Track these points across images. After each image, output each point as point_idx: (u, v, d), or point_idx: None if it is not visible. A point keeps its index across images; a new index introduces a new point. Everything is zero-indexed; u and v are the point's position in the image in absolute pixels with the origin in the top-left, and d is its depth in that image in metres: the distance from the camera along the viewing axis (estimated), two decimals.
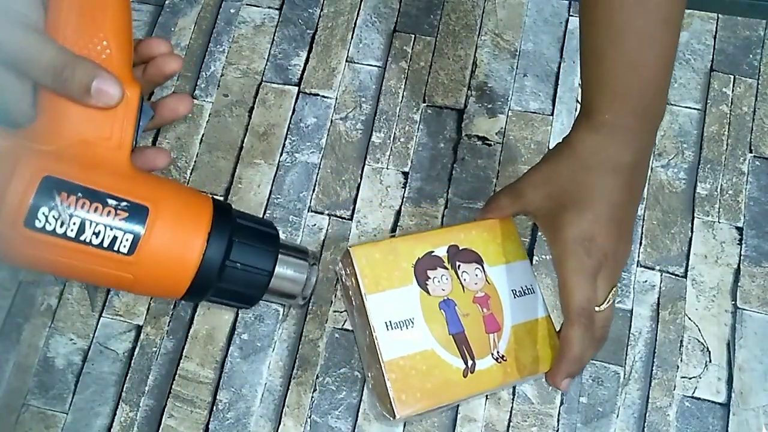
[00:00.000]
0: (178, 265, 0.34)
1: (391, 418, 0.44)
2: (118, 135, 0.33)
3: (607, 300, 0.44)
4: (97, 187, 0.32)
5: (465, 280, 0.48)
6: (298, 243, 0.46)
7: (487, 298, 0.49)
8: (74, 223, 0.31)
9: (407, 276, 0.47)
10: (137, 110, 0.34)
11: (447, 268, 0.48)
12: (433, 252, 0.48)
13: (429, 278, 0.48)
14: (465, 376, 0.46)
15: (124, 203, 0.32)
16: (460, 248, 0.49)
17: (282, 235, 0.59)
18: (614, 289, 0.45)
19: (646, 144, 0.44)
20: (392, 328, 0.45)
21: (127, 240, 0.32)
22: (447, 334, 0.46)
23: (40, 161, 0.31)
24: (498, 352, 0.47)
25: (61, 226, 0.31)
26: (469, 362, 0.46)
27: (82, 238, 0.32)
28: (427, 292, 0.47)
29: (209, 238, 0.35)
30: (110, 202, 0.32)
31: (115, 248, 0.32)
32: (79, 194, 0.31)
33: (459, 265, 0.49)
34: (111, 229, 0.32)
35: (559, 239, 0.43)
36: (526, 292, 0.50)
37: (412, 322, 0.46)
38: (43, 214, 0.31)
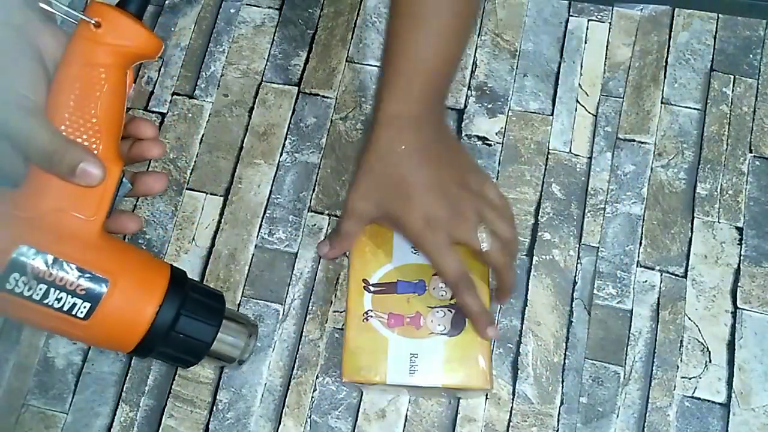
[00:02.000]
0: (128, 330, 0.38)
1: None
2: (94, 208, 0.37)
3: (483, 240, 0.47)
4: (66, 258, 0.35)
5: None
6: (239, 313, 0.50)
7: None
8: (40, 289, 0.35)
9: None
10: (116, 186, 0.37)
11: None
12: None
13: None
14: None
15: (87, 275, 0.36)
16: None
17: (282, 236, 0.59)
18: (482, 226, 0.48)
19: (434, 117, 0.50)
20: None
21: (84, 307, 0.36)
22: None
23: (17, 229, 0.35)
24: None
25: (29, 290, 0.35)
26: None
27: (45, 301, 0.35)
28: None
29: (160, 309, 0.38)
30: (74, 273, 0.35)
31: (73, 313, 0.36)
32: (49, 264, 0.35)
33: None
34: (71, 297, 0.35)
35: (407, 232, 0.48)
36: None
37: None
38: (14, 278, 0.34)
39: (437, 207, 0.47)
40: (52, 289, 0.35)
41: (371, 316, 0.49)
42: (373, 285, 0.50)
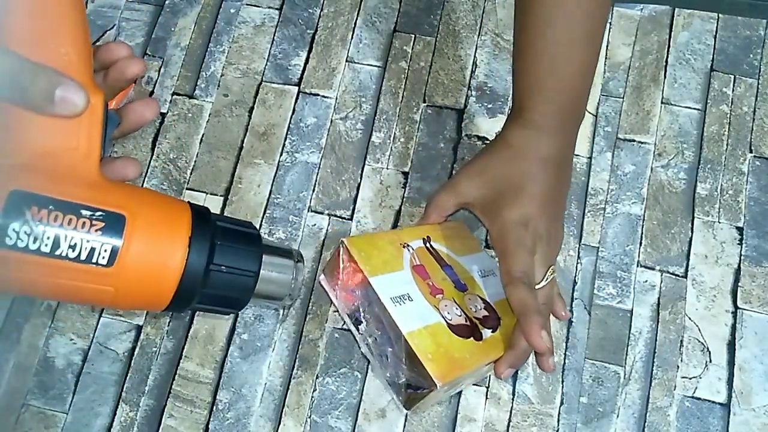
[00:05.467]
0: (161, 274, 0.33)
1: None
2: (85, 144, 0.32)
3: (545, 278, 0.48)
4: (69, 198, 0.30)
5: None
6: (280, 243, 0.45)
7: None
8: (48, 238, 0.30)
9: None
10: (102, 118, 0.33)
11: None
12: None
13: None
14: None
15: (99, 213, 0.31)
16: (432, 242, 0.52)
17: (282, 236, 0.59)
18: (551, 268, 0.49)
19: (568, 140, 0.51)
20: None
21: (105, 251, 0.31)
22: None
23: (5, 175, 0.30)
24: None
25: (35, 241, 0.29)
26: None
27: (57, 252, 0.30)
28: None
29: (191, 244, 0.33)
30: (84, 213, 0.30)
31: (94, 260, 0.31)
32: (51, 207, 0.30)
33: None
34: (88, 241, 0.30)
35: (498, 220, 0.48)
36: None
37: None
38: (14, 230, 0.29)
39: (541, 216, 0.48)
40: (63, 235, 0.30)
41: (409, 249, 0.50)
42: (432, 244, 0.51)
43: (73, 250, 0.30)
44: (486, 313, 0.51)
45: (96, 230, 0.31)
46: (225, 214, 0.60)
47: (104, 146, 0.33)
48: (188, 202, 0.36)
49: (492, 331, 0.50)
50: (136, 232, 0.32)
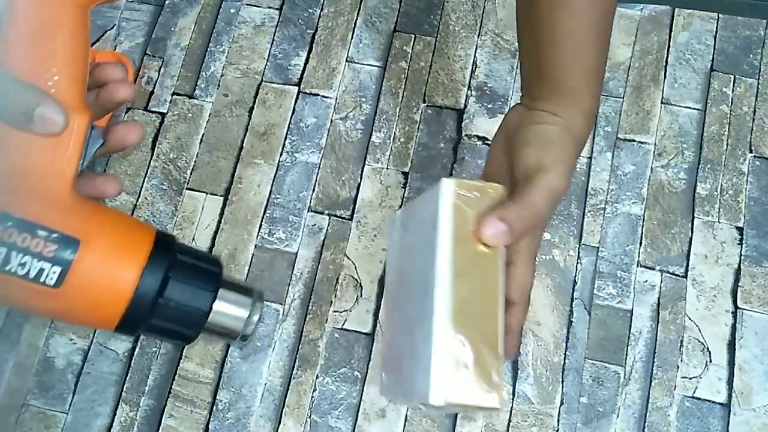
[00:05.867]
0: (109, 299, 0.33)
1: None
2: (61, 163, 0.33)
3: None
4: (29, 217, 0.31)
5: None
6: (242, 281, 0.45)
7: None
8: (0, 253, 0.31)
9: None
10: (84, 137, 0.33)
11: None
12: None
13: None
14: None
15: (55, 235, 0.32)
16: None
17: (282, 235, 0.59)
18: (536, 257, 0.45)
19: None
20: None
21: (54, 272, 0.32)
22: None
23: None
24: None
25: None
26: None
27: (7, 268, 0.31)
28: None
29: (143, 273, 0.34)
30: (40, 233, 0.31)
31: (41, 280, 0.31)
32: (8, 224, 0.31)
33: None
34: (38, 261, 0.31)
35: (553, 182, 0.42)
36: None
37: None
38: None
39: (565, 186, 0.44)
40: (14, 253, 0.31)
41: None
42: None
43: (23, 268, 0.31)
44: None
45: (48, 251, 0.32)
46: (223, 214, 0.60)
47: (83, 165, 0.34)
48: (156, 229, 0.37)
49: None
50: (88, 256, 0.32)
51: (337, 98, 0.64)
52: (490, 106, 0.63)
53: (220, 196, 0.61)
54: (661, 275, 0.58)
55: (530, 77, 0.47)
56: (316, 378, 0.55)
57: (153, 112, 0.64)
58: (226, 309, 0.37)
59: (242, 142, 0.62)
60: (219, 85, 0.64)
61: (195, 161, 0.62)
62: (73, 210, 0.33)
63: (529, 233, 0.42)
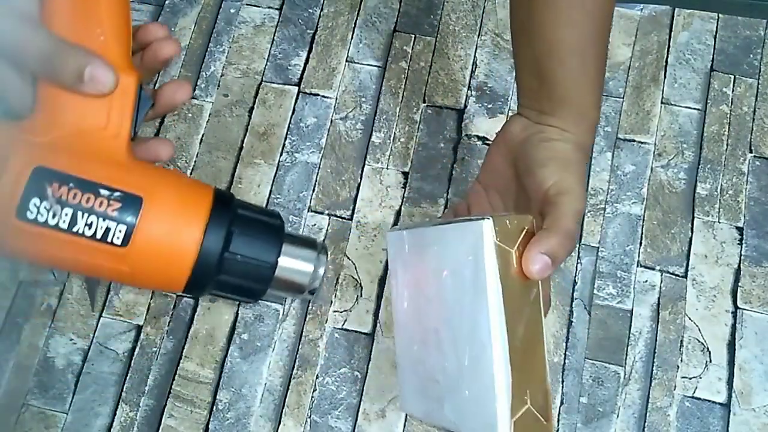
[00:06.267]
0: (175, 257, 0.33)
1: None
2: (115, 124, 0.33)
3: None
4: (90, 177, 0.31)
5: None
6: (305, 234, 0.44)
7: None
8: (66, 214, 0.31)
9: None
10: (135, 98, 0.34)
11: None
12: None
13: None
14: None
15: (117, 193, 0.32)
16: None
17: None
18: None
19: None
20: None
21: (120, 231, 0.32)
22: None
23: (32, 152, 0.31)
24: None
25: (53, 217, 0.31)
26: None
27: (74, 229, 0.31)
28: None
29: (207, 229, 0.34)
30: (103, 192, 0.31)
31: (108, 240, 0.31)
32: (71, 185, 0.31)
33: None
34: (104, 220, 0.31)
35: (569, 170, 0.42)
36: None
37: None
38: (35, 205, 0.30)
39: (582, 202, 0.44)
40: (80, 213, 0.31)
41: None
42: None
43: (90, 228, 0.31)
44: None
45: (113, 210, 0.31)
46: None
47: (136, 126, 0.34)
48: (214, 187, 0.36)
49: None
50: (151, 214, 0.32)
51: (337, 98, 0.64)
52: (490, 106, 0.63)
53: None
54: (661, 275, 0.58)
55: (530, 89, 0.46)
56: (316, 378, 0.55)
57: None
58: (291, 263, 0.37)
59: (242, 142, 0.62)
60: (219, 85, 0.64)
61: (195, 161, 0.62)
62: (132, 170, 0.33)
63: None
